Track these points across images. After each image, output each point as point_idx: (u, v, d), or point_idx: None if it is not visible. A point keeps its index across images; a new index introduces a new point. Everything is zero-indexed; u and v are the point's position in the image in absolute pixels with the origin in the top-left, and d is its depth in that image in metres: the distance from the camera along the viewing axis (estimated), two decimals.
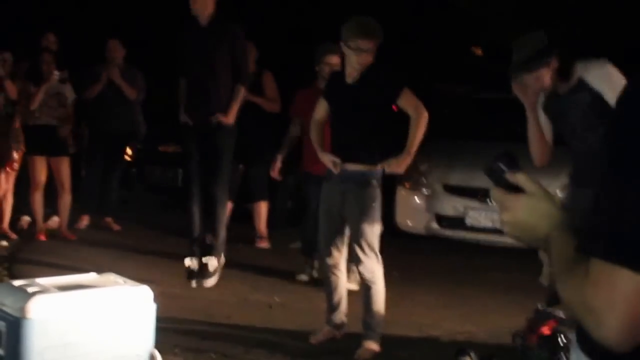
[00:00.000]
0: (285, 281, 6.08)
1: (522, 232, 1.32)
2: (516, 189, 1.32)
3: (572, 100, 3.76)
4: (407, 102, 4.38)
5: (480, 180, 6.46)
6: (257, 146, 7.03)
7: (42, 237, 7.08)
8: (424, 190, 7.30)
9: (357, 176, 4.36)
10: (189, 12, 5.76)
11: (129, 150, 8.89)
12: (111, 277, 3.59)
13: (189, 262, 5.72)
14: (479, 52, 13.36)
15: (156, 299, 3.43)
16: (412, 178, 7.18)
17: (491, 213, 6.65)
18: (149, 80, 8.03)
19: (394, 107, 4.50)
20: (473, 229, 6.96)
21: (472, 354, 3.97)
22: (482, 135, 7.49)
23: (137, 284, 3.51)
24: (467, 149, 7.30)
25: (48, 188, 7.17)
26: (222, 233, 5.80)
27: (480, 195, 6.67)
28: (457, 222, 7.05)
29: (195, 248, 5.79)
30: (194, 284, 5.66)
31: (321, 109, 4.64)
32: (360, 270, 4.41)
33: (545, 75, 3.73)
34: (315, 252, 5.54)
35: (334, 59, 5.53)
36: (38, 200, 7.09)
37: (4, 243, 6.85)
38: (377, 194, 4.38)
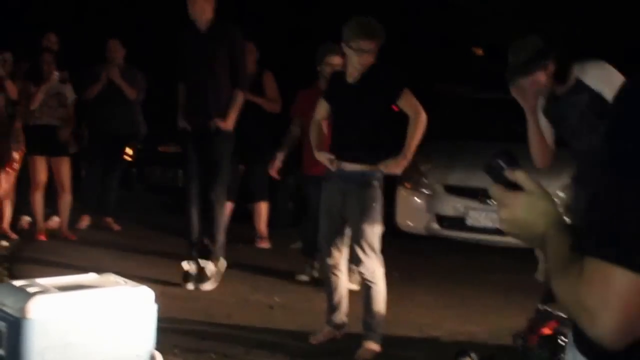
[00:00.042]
0: (286, 281, 6.08)
1: (519, 229, 1.32)
2: (515, 187, 1.32)
3: (571, 102, 3.76)
4: (407, 103, 4.38)
5: (481, 181, 6.46)
6: (258, 146, 7.03)
7: (43, 237, 7.08)
8: (425, 191, 7.30)
9: (358, 176, 4.36)
10: (188, 13, 5.76)
11: (129, 151, 8.88)
12: (112, 277, 3.59)
13: (187, 265, 5.72)
14: (479, 52, 13.36)
15: (156, 299, 3.43)
16: (413, 178, 7.18)
17: (491, 213, 6.65)
18: (149, 80, 8.03)
19: (394, 107, 4.49)
20: (473, 229, 6.96)
21: (473, 355, 3.96)
22: (482, 136, 7.49)
23: (138, 284, 3.51)
24: (468, 149, 7.30)
25: (48, 188, 7.17)
26: (221, 237, 5.80)
27: (481, 195, 6.67)
28: (458, 223, 7.05)
29: (193, 252, 5.79)
30: (190, 286, 5.65)
31: (321, 109, 4.64)
32: (361, 271, 4.41)
33: (542, 79, 3.74)
34: (315, 252, 5.54)
35: (336, 59, 5.52)
36: (38, 200, 7.09)
37: (5, 243, 6.85)
38: (378, 194, 4.38)
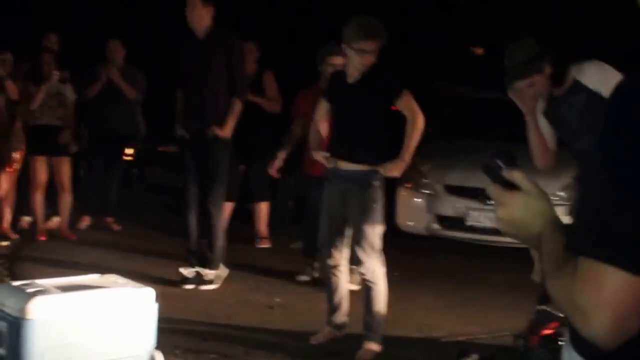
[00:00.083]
0: (286, 281, 6.07)
1: (516, 229, 1.33)
2: (513, 187, 1.33)
3: (569, 103, 3.76)
4: (406, 105, 4.38)
5: (481, 181, 6.41)
6: (258, 146, 7.02)
7: (43, 237, 7.08)
8: (425, 191, 7.29)
9: (359, 177, 4.36)
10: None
11: (129, 151, 8.88)
12: (112, 277, 3.59)
13: (185, 271, 5.73)
14: (479, 51, 13.35)
15: (156, 299, 3.43)
16: (413, 178, 7.17)
17: (492, 213, 6.61)
18: (149, 80, 8.03)
19: (394, 107, 4.49)
20: (474, 229, 6.95)
21: (474, 355, 3.96)
22: (482, 136, 7.48)
23: (138, 284, 3.51)
24: (468, 149, 7.29)
25: (49, 188, 7.17)
26: (220, 245, 5.80)
27: (481, 195, 6.67)
28: (458, 223, 7.04)
29: (192, 260, 5.79)
30: (189, 286, 5.66)
31: (322, 109, 4.64)
32: (362, 271, 4.40)
33: (538, 81, 3.73)
34: (316, 252, 5.54)
35: (338, 60, 5.51)
36: (39, 200, 7.09)
37: (5, 243, 6.85)
38: (379, 194, 4.37)
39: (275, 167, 6.33)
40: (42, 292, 3.19)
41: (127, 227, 7.86)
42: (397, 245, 6.46)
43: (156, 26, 11.59)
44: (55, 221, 7.47)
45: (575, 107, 3.74)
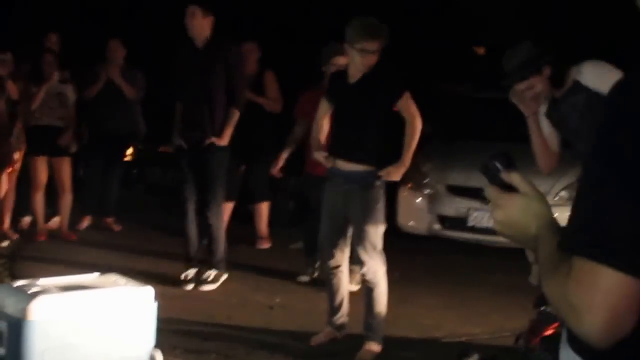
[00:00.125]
0: (286, 282, 6.07)
1: (513, 230, 1.34)
2: (510, 188, 1.34)
3: (569, 103, 3.75)
4: (405, 107, 4.37)
5: (483, 181, 6.41)
6: (258, 146, 7.01)
7: (43, 238, 7.07)
8: (426, 191, 7.28)
9: (360, 177, 4.35)
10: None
11: (129, 151, 8.87)
12: (112, 277, 3.58)
13: (185, 272, 5.74)
14: (480, 51, 13.34)
15: (156, 300, 3.42)
16: (414, 179, 7.16)
17: None
18: (149, 80, 8.02)
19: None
20: (475, 229, 6.93)
21: (475, 356, 3.95)
22: (484, 136, 7.47)
23: (138, 284, 3.50)
24: (469, 149, 7.27)
25: (49, 188, 7.16)
26: (220, 252, 5.81)
27: (483, 195, 6.64)
28: (460, 223, 7.03)
29: (192, 268, 5.80)
30: (189, 286, 5.66)
31: (323, 110, 4.63)
32: (363, 272, 4.40)
33: (538, 84, 3.72)
34: (316, 252, 5.53)
35: (341, 60, 5.49)
36: (39, 200, 7.08)
37: (5, 243, 6.84)
38: (381, 195, 4.37)
39: (277, 168, 6.32)
40: (42, 292, 3.19)
41: (127, 227, 7.85)
42: (398, 246, 6.45)
43: (156, 26, 11.58)
44: (55, 221, 7.47)
45: (575, 108, 3.73)
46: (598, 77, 3.63)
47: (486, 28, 11.69)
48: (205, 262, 5.83)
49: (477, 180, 6.56)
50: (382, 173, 4.34)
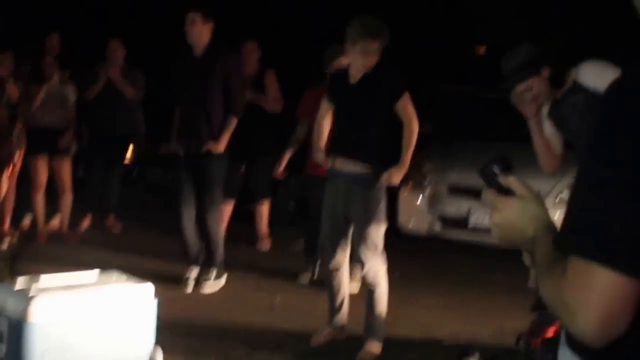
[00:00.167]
0: (287, 282, 6.06)
1: (510, 233, 1.35)
2: (508, 192, 1.36)
3: (569, 104, 3.75)
4: (403, 109, 4.36)
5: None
6: (259, 145, 7.01)
7: (43, 238, 7.07)
8: (427, 191, 7.28)
9: (361, 177, 4.35)
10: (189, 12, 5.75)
11: (129, 151, 8.87)
12: (113, 274, 3.58)
13: (185, 273, 5.74)
14: (481, 50, 13.33)
15: (155, 296, 3.42)
16: (415, 179, 7.16)
17: None
18: (149, 80, 8.01)
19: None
20: (476, 230, 6.93)
21: (475, 356, 3.95)
22: (484, 136, 7.47)
23: (139, 280, 3.50)
24: (469, 149, 7.27)
25: (49, 188, 7.16)
26: (220, 255, 5.82)
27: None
28: (460, 223, 7.03)
29: (191, 271, 5.80)
30: (189, 289, 5.66)
31: (324, 109, 4.63)
32: (365, 272, 4.39)
33: (536, 85, 3.72)
34: (317, 252, 5.53)
35: (343, 61, 5.50)
36: (39, 200, 7.08)
37: (5, 244, 6.84)
38: (382, 195, 4.37)
39: (280, 169, 6.33)
40: (42, 293, 3.18)
41: (128, 227, 7.85)
42: (398, 246, 6.45)
43: (156, 26, 11.58)
44: (55, 221, 7.47)
45: (575, 108, 3.72)
46: (598, 76, 3.63)
47: (486, 28, 11.69)
48: (205, 262, 5.83)
49: (477, 180, 6.61)
50: (382, 178, 4.34)
